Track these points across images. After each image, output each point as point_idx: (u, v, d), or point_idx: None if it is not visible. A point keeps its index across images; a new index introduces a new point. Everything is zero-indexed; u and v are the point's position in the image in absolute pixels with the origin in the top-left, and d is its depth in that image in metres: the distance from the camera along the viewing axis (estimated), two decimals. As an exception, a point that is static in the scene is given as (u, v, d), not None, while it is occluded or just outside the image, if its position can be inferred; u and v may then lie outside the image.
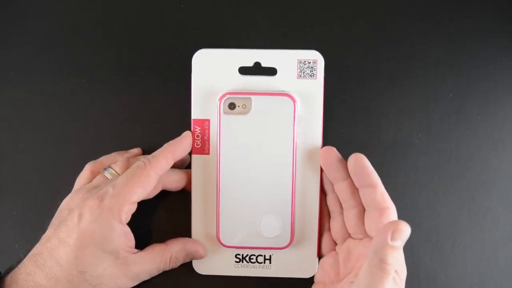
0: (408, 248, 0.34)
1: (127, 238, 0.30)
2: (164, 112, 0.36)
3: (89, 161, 0.34)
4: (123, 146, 0.35)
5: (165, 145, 0.31)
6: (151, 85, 0.36)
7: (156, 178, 0.30)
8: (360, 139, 0.35)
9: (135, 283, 0.31)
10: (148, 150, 0.35)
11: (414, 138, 0.35)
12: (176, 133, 0.33)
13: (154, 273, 0.31)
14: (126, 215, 0.29)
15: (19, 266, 0.29)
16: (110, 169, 0.32)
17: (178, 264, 0.32)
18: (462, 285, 0.35)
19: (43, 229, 0.30)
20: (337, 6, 0.36)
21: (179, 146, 0.32)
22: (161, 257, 0.31)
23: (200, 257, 0.33)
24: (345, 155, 0.31)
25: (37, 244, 0.29)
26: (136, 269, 0.30)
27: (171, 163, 0.31)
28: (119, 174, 0.31)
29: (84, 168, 0.33)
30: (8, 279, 0.28)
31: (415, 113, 0.35)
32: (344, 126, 0.35)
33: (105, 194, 0.29)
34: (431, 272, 0.35)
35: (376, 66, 0.35)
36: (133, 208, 0.30)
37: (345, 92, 0.35)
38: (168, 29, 0.36)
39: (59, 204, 0.31)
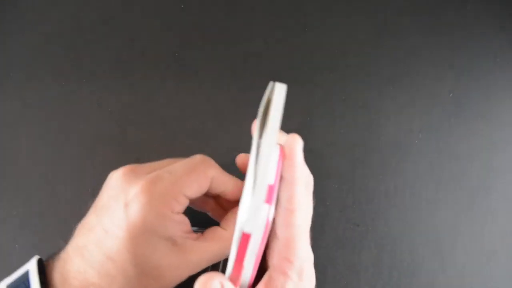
0: (408, 248, 0.34)
1: (183, 223, 0.25)
2: (164, 112, 0.36)
3: (88, 161, 0.33)
4: (123, 146, 0.35)
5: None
6: (151, 85, 0.36)
7: (209, 182, 0.26)
8: (360, 139, 0.35)
9: (196, 271, 0.26)
10: (147, 149, 0.35)
11: (414, 138, 0.35)
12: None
13: (218, 259, 0.27)
14: (180, 207, 0.25)
15: (65, 259, 0.25)
16: None
17: None
18: (462, 285, 0.35)
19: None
20: (337, 5, 0.36)
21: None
22: (224, 243, 0.26)
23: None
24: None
25: (79, 232, 0.25)
26: (196, 257, 0.25)
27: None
28: None
29: None
30: (57, 275, 0.24)
31: (415, 113, 0.35)
32: (344, 126, 0.35)
33: (159, 178, 0.25)
34: (431, 272, 0.35)
35: (376, 66, 0.35)
36: (186, 203, 0.25)
37: (345, 92, 0.35)
38: (168, 29, 0.36)
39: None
